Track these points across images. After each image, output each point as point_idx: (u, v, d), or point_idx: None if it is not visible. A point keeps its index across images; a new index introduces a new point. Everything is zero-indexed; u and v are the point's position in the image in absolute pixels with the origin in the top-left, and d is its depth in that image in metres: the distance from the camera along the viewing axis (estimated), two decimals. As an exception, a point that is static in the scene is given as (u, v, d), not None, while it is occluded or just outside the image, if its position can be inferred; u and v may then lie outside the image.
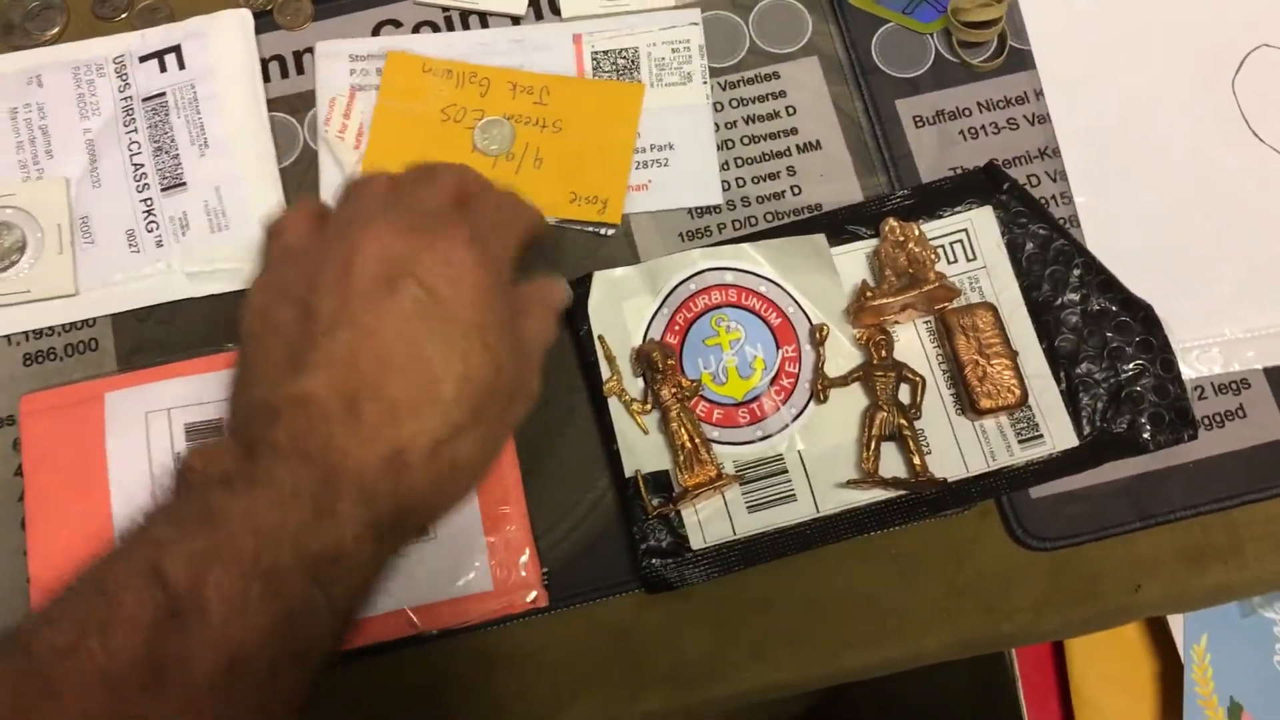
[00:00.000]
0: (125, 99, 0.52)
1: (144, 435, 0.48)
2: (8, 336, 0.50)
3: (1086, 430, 0.48)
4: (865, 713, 0.70)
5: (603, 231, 0.51)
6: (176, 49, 0.52)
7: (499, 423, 0.39)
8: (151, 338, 0.50)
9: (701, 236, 0.51)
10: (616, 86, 0.53)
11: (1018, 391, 0.47)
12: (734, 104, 0.53)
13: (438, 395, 0.36)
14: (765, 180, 0.52)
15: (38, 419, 0.48)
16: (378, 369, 0.36)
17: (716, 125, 0.53)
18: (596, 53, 0.53)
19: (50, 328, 0.50)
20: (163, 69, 0.52)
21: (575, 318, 0.49)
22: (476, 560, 0.47)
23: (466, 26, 0.54)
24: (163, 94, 0.52)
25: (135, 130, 0.51)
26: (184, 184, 0.51)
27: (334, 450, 0.35)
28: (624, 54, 0.53)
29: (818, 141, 0.52)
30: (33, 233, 0.50)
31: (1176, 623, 0.53)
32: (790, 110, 0.53)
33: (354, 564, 0.34)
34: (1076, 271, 0.49)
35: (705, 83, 0.53)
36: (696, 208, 0.52)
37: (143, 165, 0.51)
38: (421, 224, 0.39)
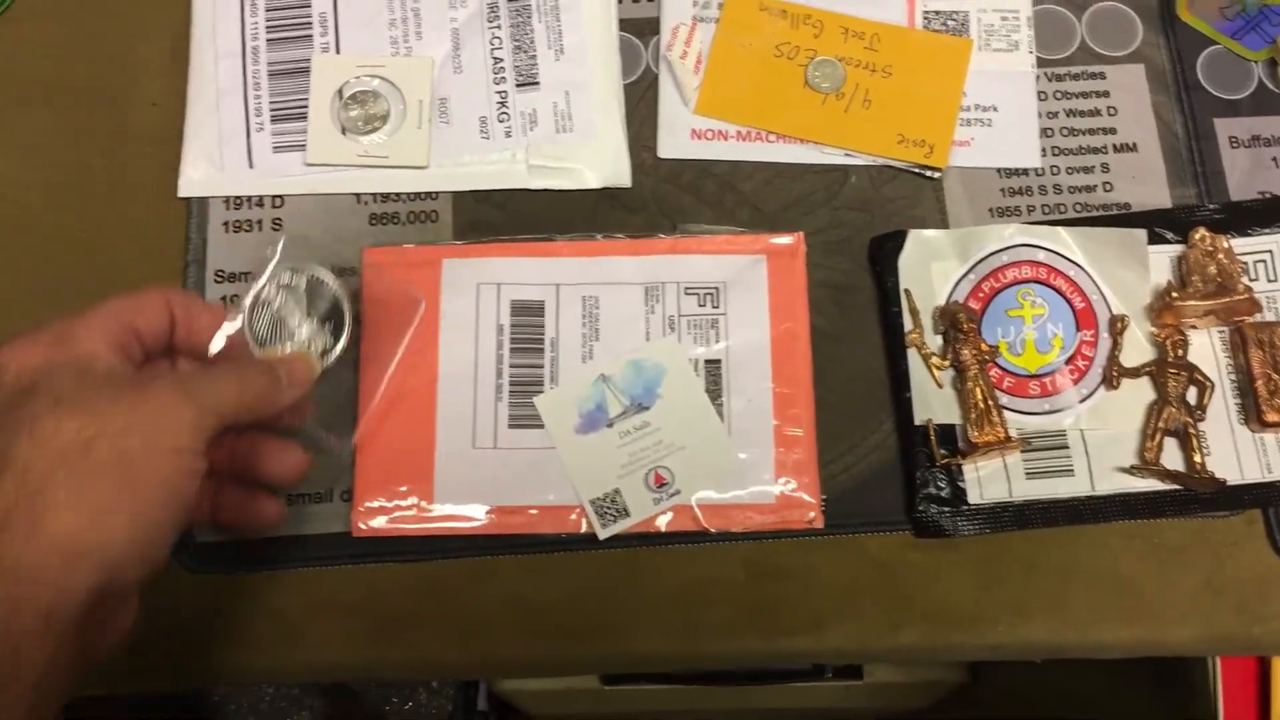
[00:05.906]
0: (492, -4, 0.56)
1: (474, 302, 0.51)
2: (358, 195, 0.54)
3: (1366, 461, 0.49)
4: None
5: (929, 174, 0.54)
6: (543, -42, 0.56)
7: None
8: (485, 218, 0.53)
9: (1011, 215, 0.53)
10: (946, 40, 0.55)
11: (1307, 411, 0.49)
12: (1058, 95, 0.55)
13: None
14: (1079, 173, 0.54)
15: (378, 272, 0.52)
16: None
17: (1039, 114, 0.55)
18: (928, 11, 0.56)
19: (398, 194, 0.54)
20: (529, -26, 0.56)
21: (884, 270, 0.52)
22: (764, 475, 0.49)
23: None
24: (527, -2, 0.56)
25: (499, 27, 0.55)
26: (537, 83, 0.54)
27: None
28: (954, 15, 0.56)
29: (1134, 144, 0.54)
30: (396, 105, 0.54)
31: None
32: (1111, 111, 0.55)
33: None
34: (1378, 309, 0.51)
35: (1031, 52, 0.56)
36: (1010, 188, 0.54)
37: (501, 60, 0.55)
38: None
